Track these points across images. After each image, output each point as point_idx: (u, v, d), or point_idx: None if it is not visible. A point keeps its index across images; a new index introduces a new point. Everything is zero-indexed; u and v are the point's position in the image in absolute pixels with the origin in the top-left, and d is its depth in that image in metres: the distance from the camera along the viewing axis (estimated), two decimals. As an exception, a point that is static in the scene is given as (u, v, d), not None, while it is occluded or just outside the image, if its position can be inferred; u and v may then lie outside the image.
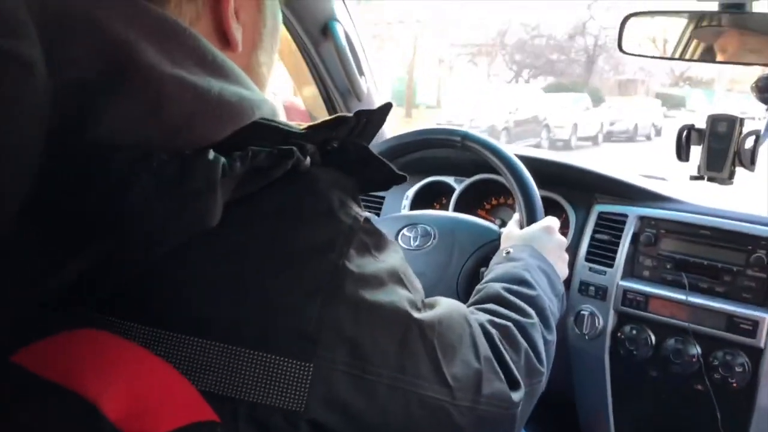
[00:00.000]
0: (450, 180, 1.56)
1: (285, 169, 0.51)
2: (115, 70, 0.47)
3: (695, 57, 1.20)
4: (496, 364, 0.65)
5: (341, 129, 0.57)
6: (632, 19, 1.21)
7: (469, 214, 1.53)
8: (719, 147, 1.15)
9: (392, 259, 0.57)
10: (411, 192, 1.59)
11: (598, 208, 1.38)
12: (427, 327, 0.57)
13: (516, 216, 1.11)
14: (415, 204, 1.58)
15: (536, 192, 1.10)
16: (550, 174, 1.40)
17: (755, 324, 1.15)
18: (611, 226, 1.35)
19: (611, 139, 15.30)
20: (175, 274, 0.48)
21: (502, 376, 0.65)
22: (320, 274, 0.50)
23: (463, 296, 1.05)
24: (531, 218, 1.07)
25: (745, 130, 1.13)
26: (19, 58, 0.41)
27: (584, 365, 1.38)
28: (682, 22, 1.17)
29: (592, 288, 1.33)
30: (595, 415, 1.40)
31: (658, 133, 16.09)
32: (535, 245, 0.95)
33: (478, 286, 0.86)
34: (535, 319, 0.78)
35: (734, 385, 1.17)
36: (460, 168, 1.53)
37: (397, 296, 0.55)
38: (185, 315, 0.48)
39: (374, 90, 1.58)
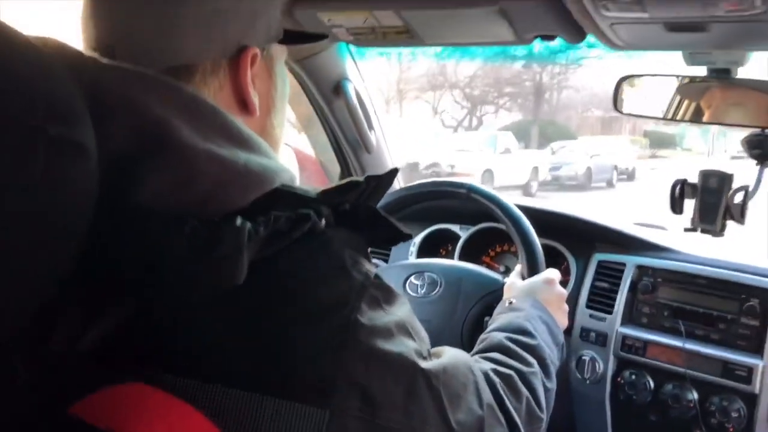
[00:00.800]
0: (455, 228, 1.62)
1: (303, 231, 0.56)
2: (153, 144, 0.53)
3: (687, 117, 1.28)
4: (498, 411, 0.70)
5: (352, 193, 0.63)
6: (627, 81, 1.29)
7: (473, 260, 1.59)
8: (711, 201, 1.22)
9: (400, 311, 0.62)
10: (418, 239, 1.65)
11: (597, 257, 1.44)
12: (432, 376, 0.61)
13: (518, 267, 1.17)
14: (422, 250, 1.64)
15: (538, 245, 1.16)
16: (552, 223, 1.46)
17: (750, 370, 1.20)
18: (610, 274, 1.41)
19: (561, 187, 13.35)
20: (203, 327, 0.53)
21: (504, 422, 0.70)
22: (335, 327, 0.55)
23: (468, 343, 1.10)
24: (533, 270, 1.13)
25: (735, 185, 1.20)
26: (75, 144, 0.46)
27: (586, 409, 1.42)
28: (674, 84, 1.25)
29: (592, 334, 1.38)
30: (597, 458, 1.44)
31: (631, 176, 14.42)
32: (536, 296, 1.01)
33: (482, 336, 0.91)
34: (536, 368, 0.83)
35: (731, 429, 1.21)
36: (465, 216, 1.60)
37: (405, 347, 0.59)
38: (214, 365, 0.53)
39: (383, 142, 1.66)
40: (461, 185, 1.26)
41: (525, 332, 0.89)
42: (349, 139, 1.60)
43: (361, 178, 0.63)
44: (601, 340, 1.37)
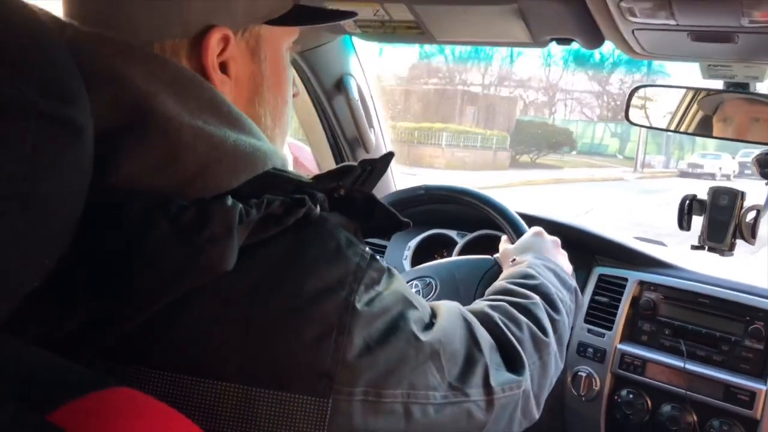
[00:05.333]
0: (452, 233, 1.58)
1: (297, 216, 0.53)
2: (136, 119, 0.50)
3: (698, 131, 1.24)
4: (498, 350, 0.67)
5: (347, 178, 0.60)
6: (638, 90, 1.26)
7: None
8: (720, 219, 1.18)
9: (395, 284, 0.59)
10: (413, 243, 1.60)
11: (598, 270, 1.41)
12: (434, 343, 0.59)
13: (504, 237, 1.16)
14: (417, 255, 1.59)
15: (512, 211, 1.17)
16: (551, 233, 1.42)
17: (752, 395, 1.16)
18: (611, 288, 1.37)
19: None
20: (189, 317, 0.49)
21: (506, 361, 0.68)
22: (332, 312, 0.52)
23: None
24: (517, 232, 1.13)
25: (746, 204, 1.17)
26: (73, 123, 0.42)
27: (580, 427, 1.38)
28: (688, 97, 1.21)
29: (590, 350, 1.34)
30: (588, 477, 1.40)
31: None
32: (533, 250, 0.99)
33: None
34: (537, 299, 0.80)
35: (730, 455, 1.18)
36: (463, 222, 1.56)
37: (404, 320, 0.57)
38: (200, 358, 0.49)
39: (382, 141, 1.61)
40: (418, 187, 1.27)
41: (527, 276, 0.87)
42: (347, 137, 1.55)
43: (355, 163, 0.61)
44: (599, 356, 1.33)
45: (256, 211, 0.50)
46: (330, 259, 0.54)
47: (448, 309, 0.66)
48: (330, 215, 0.58)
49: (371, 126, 1.54)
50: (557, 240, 1.06)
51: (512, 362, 0.68)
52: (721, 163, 16.04)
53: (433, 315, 0.63)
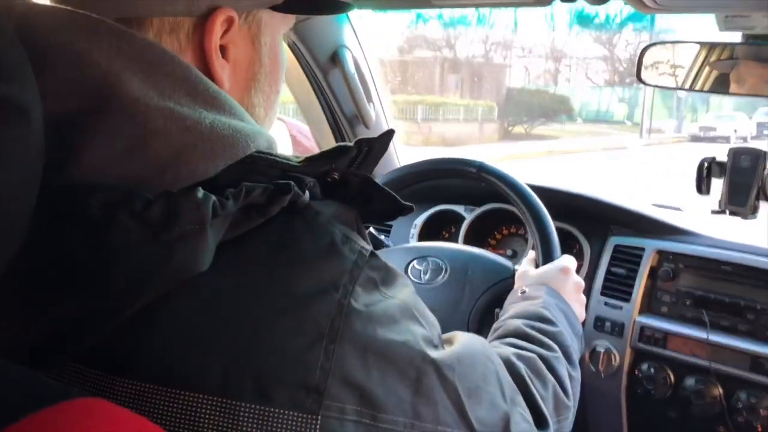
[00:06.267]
0: (460, 209, 1.52)
1: (282, 205, 0.48)
2: (97, 103, 0.44)
3: (713, 88, 1.17)
4: (523, 402, 0.61)
5: (342, 159, 0.54)
6: (651, 49, 1.19)
7: (479, 243, 1.50)
8: (742, 181, 1.12)
9: (402, 293, 0.53)
10: (419, 221, 1.55)
11: (613, 240, 1.34)
12: (445, 367, 0.52)
13: (531, 254, 1.07)
14: (423, 233, 1.54)
15: (553, 229, 1.06)
16: (564, 205, 1.36)
17: (780, 365, 1.11)
18: (628, 259, 1.31)
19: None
20: (162, 323, 0.44)
21: (530, 416, 0.62)
22: (323, 316, 0.46)
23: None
24: (547, 257, 1.03)
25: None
26: (12, 103, 0.37)
27: (599, 404, 1.33)
28: (702, 53, 1.14)
29: (608, 324, 1.29)
30: (610, 455, 1.35)
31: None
32: (551, 285, 0.92)
33: (496, 325, 0.83)
34: (560, 353, 0.75)
35: (759, 428, 1.13)
36: (471, 197, 1.50)
37: (410, 334, 0.50)
38: (175, 368, 0.44)
39: (383, 116, 1.55)
40: (471, 163, 1.15)
41: (544, 319, 0.81)
42: (346, 113, 1.48)
43: (350, 143, 0.54)
44: (618, 330, 1.27)
45: (234, 201, 0.45)
46: (322, 257, 0.48)
47: (470, 340, 0.59)
48: (324, 204, 0.51)
49: (370, 100, 1.47)
50: (581, 283, 0.98)
51: (536, 421, 0.62)
52: (736, 124, 15.43)
53: (446, 341, 0.56)
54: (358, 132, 1.52)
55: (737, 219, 1.18)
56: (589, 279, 1.33)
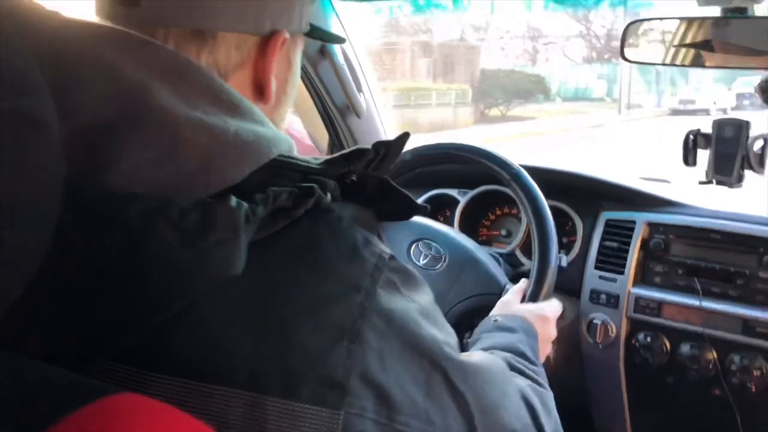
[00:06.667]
0: (453, 192, 1.55)
1: (307, 207, 0.50)
2: (128, 114, 0.46)
3: (694, 62, 1.20)
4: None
5: (359, 161, 0.56)
6: (633, 26, 1.21)
7: (474, 225, 1.53)
8: (726, 151, 1.16)
9: (423, 299, 0.55)
10: (415, 205, 1.57)
11: (605, 216, 1.38)
12: (457, 375, 0.54)
13: (522, 283, 1.07)
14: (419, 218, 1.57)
15: (553, 267, 1.06)
16: (557, 183, 1.39)
17: (771, 327, 1.15)
18: (619, 233, 1.34)
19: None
20: (193, 321, 0.46)
21: None
22: (346, 317, 0.48)
23: None
24: (535, 295, 1.04)
25: (751, 134, 1.14)
26: (28, 117, 0.39)
27: (599, 374, 1.37)
28: (681, 28, 1.17)
29: (603, 296, 1.32)
30: (611, 423, 1.39)
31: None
32: (526, 321, 0.92)
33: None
34: (550, 393, 0.76)
35: (753, 389, 1.17)
36: (463, 180, 1.52)
37: (429, 339, 0.53)
38: (206, 364, 0.46)
39: (374, 106, 1.57)
40: (510, 168, 1.13)
41: (524, 356, 0.82)
42: (337, 104, 1.50)
43: (368, 146, 0.57)
44: (613, 301, 1.31)
45: (263, 207, 0.47)
46: (344, 260, 0.51)
47: (491, 358, 0.62)
48: (343, 207, 0.53)
49: (360, 90, 1.50)
50: (553, 335, 0.99)
51: None
52: (716, 96, 15.58)
53: (467, 355, 0.58)
54: (349, 122, 1.54)
55: (724, 188, 1.22)
56: (583, 254, 1.36)
